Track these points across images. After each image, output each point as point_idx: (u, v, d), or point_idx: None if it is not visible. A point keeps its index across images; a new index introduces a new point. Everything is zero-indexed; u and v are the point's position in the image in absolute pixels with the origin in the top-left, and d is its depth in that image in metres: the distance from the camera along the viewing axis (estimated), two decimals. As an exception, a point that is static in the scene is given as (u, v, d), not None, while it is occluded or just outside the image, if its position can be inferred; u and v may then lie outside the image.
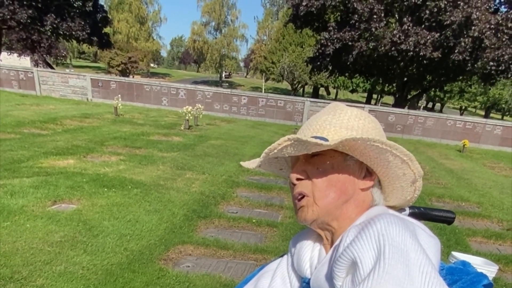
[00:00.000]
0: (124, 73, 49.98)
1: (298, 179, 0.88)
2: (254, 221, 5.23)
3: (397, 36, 19.01)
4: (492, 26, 17.81)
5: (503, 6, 20.80)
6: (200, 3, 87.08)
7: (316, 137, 0.81)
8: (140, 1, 78.80)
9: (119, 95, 15.26)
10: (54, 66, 31.30)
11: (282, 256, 1.06)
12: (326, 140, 0.80)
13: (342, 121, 0.89)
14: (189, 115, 12.85)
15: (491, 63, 18.54)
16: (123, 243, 4.14)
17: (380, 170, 0.89)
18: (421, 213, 1.11)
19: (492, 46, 18.17)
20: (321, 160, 0.86)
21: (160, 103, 18.84)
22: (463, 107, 57.50)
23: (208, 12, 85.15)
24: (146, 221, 4.79)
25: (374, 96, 53.63)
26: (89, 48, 44.80)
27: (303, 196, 0.87)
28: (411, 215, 1.05)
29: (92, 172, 6.57)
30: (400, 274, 0.62)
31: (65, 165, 6.88)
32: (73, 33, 24.57)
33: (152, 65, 78.73)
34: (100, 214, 4.83)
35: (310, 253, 0.92)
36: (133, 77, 48.72)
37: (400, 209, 1.03)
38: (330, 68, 24.73)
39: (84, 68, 58.25)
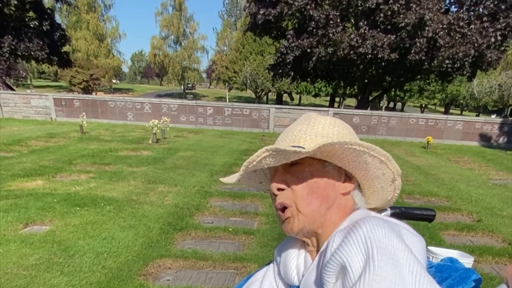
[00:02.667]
0: (86, 90, 49.14)
1: (279, 189, 0.89)
2: (230, 230, 5.26)
3: (355, 40, 19.37)
4: (445, 26, 18.39)
5: (453, 6, 21.53)
6: (158, 18, 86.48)
7: (294, 146, 0.83)
8: (97, 18, 77.63)
9: (84, 113, 15.03)
10: (14, 87, 30.43)
11: (268, 264, 1.07)
12: (304, 148, 0.82)
13: (317, 129, 0.90)
14: (156, 128, 12.76)
15: (447, 61, 19.15)
16: (101, 261, 4.10)
17: (359, 173, 0.91)
18: (403, 213, 1.13)
19: (446, 45, 18.75)
20: (300, 169, 0.88)
21: (125, 119, 18.62)
22: (423, 105, 58.77)
23: (167, 26, 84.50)
24: (122, 237, 4.76)
25: (337, 99, 54.43)
26: (49, 67, 43.68)
27: (286, 207, 0.89)
28: (393, 215, 1.08)
29: (62, 191, 6.47)
30: (391, 275, 0.63)
31: (34, 187, 6.75)
32: (32, 53, 24.02)
33: (114, 81, 77.49)
34: (74, 233, 4.77)
35: (296, 260, 0.93)
36: (96, 94, 48.05)
37: (382, 210, 1.06)
38: (292, 74, 24.91)
39: (45, 87, 56.88)
